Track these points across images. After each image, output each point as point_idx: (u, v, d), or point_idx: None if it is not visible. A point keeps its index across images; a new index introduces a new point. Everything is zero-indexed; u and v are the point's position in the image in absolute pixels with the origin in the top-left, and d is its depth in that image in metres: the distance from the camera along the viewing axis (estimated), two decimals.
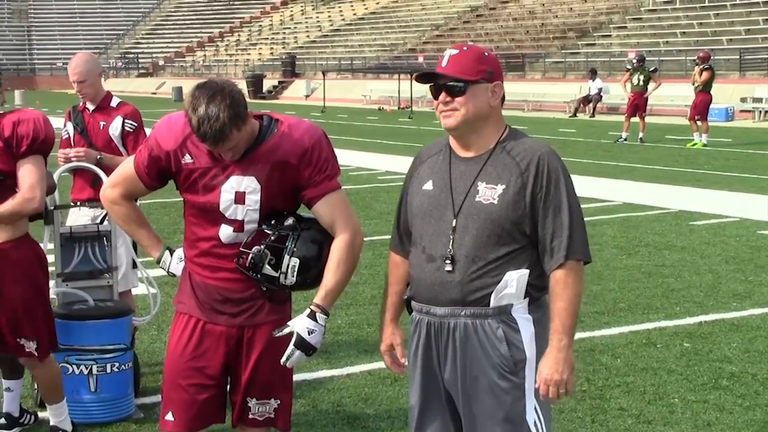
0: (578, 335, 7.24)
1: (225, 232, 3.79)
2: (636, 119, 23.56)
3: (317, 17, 68.74)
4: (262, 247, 3.75)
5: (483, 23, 51.89)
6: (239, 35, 74.60)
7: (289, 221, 3.79)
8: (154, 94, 61.52)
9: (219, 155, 3.73)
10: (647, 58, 26.37)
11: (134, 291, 6.43)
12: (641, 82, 23.48)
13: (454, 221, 3.37)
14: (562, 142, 23.95)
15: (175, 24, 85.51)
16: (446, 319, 3.41)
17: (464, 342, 3.39)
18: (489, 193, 3.34)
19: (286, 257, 3.74)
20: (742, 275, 9.23)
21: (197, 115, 3.54)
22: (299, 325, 3.66)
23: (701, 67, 22.34)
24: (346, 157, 18.96)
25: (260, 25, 74.46)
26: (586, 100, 35.22)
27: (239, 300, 3.83)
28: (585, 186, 15.26)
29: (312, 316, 3.67)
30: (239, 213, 3.76)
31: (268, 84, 54.26)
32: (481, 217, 3.34)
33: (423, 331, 3.49)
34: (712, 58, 25.12)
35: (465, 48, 3.41)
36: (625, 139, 23.50)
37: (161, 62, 74.17)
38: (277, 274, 3.75)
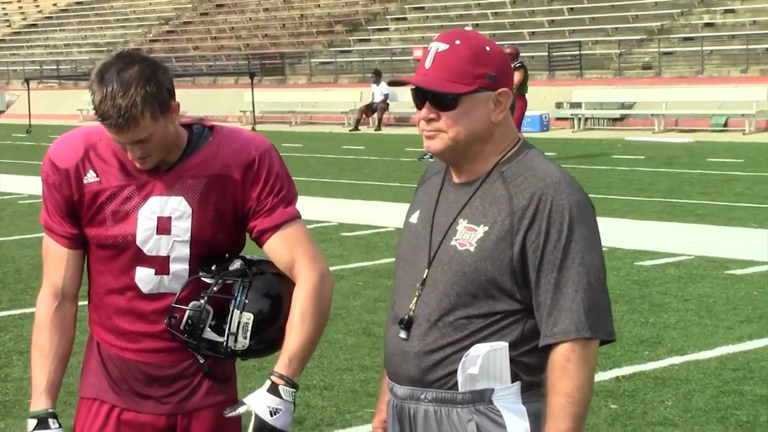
0: None
1: (144, 275, 3.58)
2: None
3: (3, 9, 66.88)
4: (203, 301, 3.57)
5: (226, 15, 52.05)
6: None
7: (236, 264, 3.62)
8: None
9: (135, 170, 3.53)
10: None
11: None
12: None
13: (426, 271, 3.14)
14: (353, 162, 24.25)
15: None
16: (406, 403, 3.20)
17: None
18: (467, 236, 3.09)
19: (236, 312, 3.55)
20: (639, 317, 9.60)
21: (103, 84, 3.36)
22: (258, 403, 3.40)
23: (512, 65, 23.13)
24: None
25: None
26: (369, 109, 35.52)
27: (169, 378, 3.64)
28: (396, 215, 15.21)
29: (274, 390, 3.41)
30: (163, 247, 3.55)
31: None
32: (452, 268, 3.09)
33: (390, 414, 3.30)
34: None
35: (458, 41, 3.10)
36: (431, 157, 23.80)
37: None
38: (222, 339, 3.56)
